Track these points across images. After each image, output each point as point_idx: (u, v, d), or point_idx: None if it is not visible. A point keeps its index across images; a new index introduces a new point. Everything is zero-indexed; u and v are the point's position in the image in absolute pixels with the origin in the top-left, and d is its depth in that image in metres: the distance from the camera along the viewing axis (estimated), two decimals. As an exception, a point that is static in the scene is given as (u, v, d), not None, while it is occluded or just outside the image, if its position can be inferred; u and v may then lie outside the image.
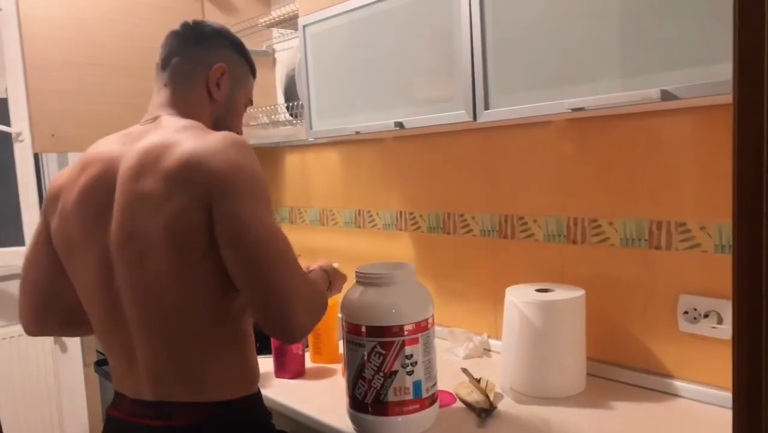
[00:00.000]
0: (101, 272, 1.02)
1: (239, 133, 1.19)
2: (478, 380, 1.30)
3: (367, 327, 1.10)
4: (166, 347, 1.00)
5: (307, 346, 1.57)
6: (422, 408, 1.12)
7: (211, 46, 1.15)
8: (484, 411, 1.19)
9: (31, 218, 2.59)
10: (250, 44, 2.27)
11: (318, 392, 1.38)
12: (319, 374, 1.49)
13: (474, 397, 1.24)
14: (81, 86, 1.94)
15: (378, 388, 1.10)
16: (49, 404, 2.84)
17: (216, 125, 1.14)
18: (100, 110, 1.98)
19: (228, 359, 1.03)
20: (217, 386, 1.02)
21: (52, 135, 1.86)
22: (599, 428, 1.14)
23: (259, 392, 1.11)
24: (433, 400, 1.15)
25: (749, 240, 0.59)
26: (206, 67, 1.13)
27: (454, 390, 1.31)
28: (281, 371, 1.47)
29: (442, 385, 1.35)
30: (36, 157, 2.64)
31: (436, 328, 1.74)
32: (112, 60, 2.01)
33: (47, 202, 1.12)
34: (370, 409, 1.11)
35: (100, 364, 2.14)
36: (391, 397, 1.10)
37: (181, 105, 1.12)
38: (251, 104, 1.26)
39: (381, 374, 1.10)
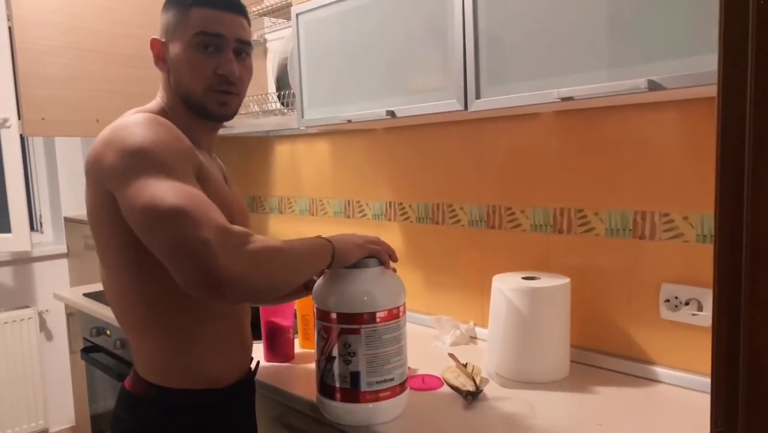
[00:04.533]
0: None
1: (202, 82, 1.06)
2: (465, 365, 1.33)
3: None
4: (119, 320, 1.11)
5: (296, 331, 1.59)
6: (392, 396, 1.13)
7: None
8: (471, 394, 1.21)
9: (17, 204, 2.58)
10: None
11: (307, 377, 1.40)
12: (308, 359, 1.51)
13: (460, 381, 1.27)
14: (72, 72, 1.93)
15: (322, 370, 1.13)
16: (35, 391, 2.84)
17: (178, 94, 1.09)
18: (90, 96, 1.98)
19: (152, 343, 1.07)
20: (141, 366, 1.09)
21: (42, 119, 1.85)
22: (582, 411, 1.17)
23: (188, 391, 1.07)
24: (393, 393, 1.13)
25: (730, 228, 0.62)
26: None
27: (441, 375, 1.33)
28: (271, 355, 1.49)
29: (429, 370, 1.38)
30: (23, 144, 2.63)
31: (424, 316, 1.78)
32: (104, 46, 2.01)
33: None
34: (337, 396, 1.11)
35: (87, 351, 2.14)
36: (330, 382, 1.12)
37: (162, 82, 1.13)
38: (213, 34, 1.04)
39: (323, 357, 1.12)
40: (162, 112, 1.08)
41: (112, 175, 0.95)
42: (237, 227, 0.91)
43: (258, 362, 1.23)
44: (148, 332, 1.06)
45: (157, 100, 1.12)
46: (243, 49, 1.10)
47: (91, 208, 1.03)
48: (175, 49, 1.07)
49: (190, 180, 0.95)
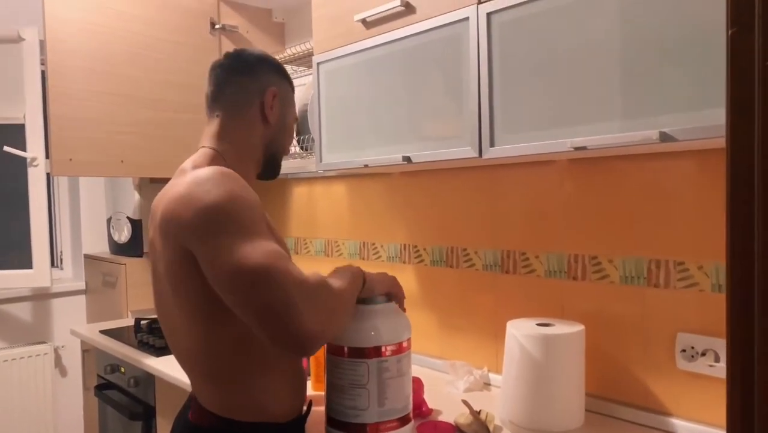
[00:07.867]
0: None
1: (287, 148, 1.28)
2: (478, 412, 1.32)
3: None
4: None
5: (309, 373, 1.59)
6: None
7: (257, 72, 1.20)
8: (484, 442, 1.20)
9: (40, 241, 2.63)
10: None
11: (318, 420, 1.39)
12: (319, 402, 1.51)
13: (473, 428, 1.25)
14: (100, 114, 2.00)
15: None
16: (47, 427, 2.83)
17: (268, 147, 1.22)
18: (117, 138, 2.04)
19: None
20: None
21: (70, 159, 1.91)
22: (597, 462, 1.15)
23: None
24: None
25: (741, 278, 0.62)
26: (258, 93, 1.19)
27: (454, 421, 1.32)
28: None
29: (442, 416, 1.37)
30: (48, 181, 2.70)
31: (437, 361, 1.77)
32: (133, 91, 2.08)
33: None
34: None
35: (101, 388, 2.15)
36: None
37: (231, 133, 1.18)
38: (297, 121, 1.32)
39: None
40: (221, 161, 1.14)
41: (191, 234, 0.98)
42: (311, 277, 0.98)
43: (311, 402, 1.26)
44: (215, 376, 1.09)
45: (210, 148, 1.17)
46: None
47: (169, 264, 1.05)
48: (285, 113, 1.24)
49: (265, 234, 0.99)
